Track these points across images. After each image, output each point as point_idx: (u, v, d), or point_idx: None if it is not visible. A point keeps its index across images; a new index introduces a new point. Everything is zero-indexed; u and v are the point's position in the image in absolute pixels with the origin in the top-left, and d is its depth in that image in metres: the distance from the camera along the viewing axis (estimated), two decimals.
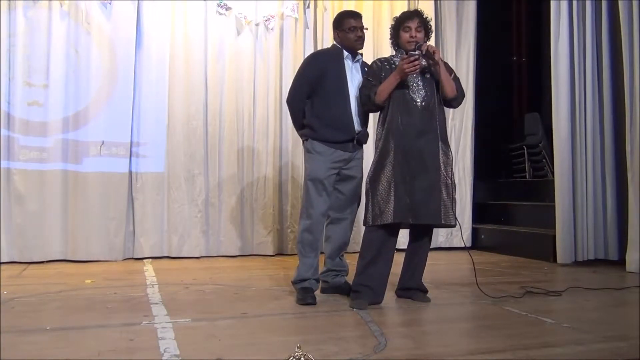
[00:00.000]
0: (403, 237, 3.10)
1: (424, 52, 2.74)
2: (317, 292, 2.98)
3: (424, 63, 2.78)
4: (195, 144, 4.79)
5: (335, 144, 2.98)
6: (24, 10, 4.35)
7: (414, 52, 2.73)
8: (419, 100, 2.78)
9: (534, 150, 6.03)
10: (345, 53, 3.09)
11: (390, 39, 2.96)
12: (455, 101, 2.91)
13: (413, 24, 2.82)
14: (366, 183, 2.84)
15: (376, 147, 2.85)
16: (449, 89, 2.83)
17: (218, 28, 4.90)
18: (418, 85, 2.80)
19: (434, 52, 2.74)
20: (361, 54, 3.17)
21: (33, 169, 4.33)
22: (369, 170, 2.84)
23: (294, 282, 2.99)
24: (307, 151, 3.05)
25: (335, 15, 3.29)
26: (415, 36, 2.81)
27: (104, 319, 2.47)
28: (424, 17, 2.87)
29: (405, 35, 2.83)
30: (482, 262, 4.45)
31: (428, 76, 2.83)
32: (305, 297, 2.86)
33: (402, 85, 2.78)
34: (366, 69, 3.14)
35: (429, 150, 2.76)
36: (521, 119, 6.38)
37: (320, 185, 2.96)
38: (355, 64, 3.11)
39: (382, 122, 2.84)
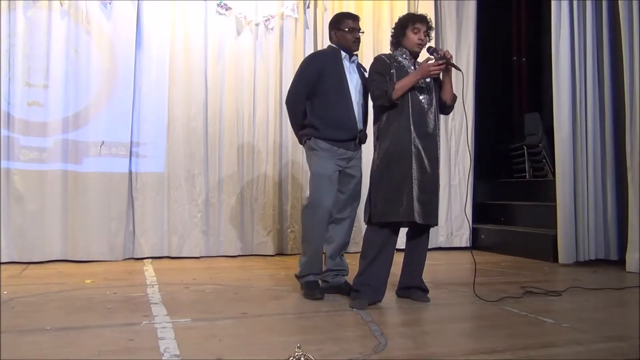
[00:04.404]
0: (402, 237, 3.09)
1: (441, 56, 2.76)
2: None
3: None
4: (195, 144, 4.78)
5: (339, 143, 2.99)
6: (24, 10, 4.35)
7: (438, 56, 2.76)
8: (424, 102, 2.80)
9: (534, 150, 6.03)
10: (343, 53, 3.09)
11: (392, 36, 2.94)
12: (450, 108, 2.97)
13: (422, 27, 2.83)
14: (372, 181, 2.82)
15: (380, 146, 2.83)
16: (450, 96, 2.88)
17: (218, 28, 4.89)
18: (422, 88, 2.81)
19: (450, 58, 2.77)
20: (356, 55, 3.17)
21: (33, 169, 4.32)
22: (372, 168, 2.84)
23: (299, 277, 3.01)
24: (311, 149, 3.04)
25: (332, 16, 3.30)
26: (424, 39, 2.82)
27: (104, 319, 2.47)
28: (430, 24, 2.89)
29: (414, 37, 2.83)
30: (482, 262, 4.44)
31: (429, 80, 2.84)
32: (313, 292, 2.91)
33: (412, 86, 2.78)
34: (362, 69, 3.15)
35: (433, 153, 2.79)
36: (521, 119, 6.37)
37: (327, 180, 2.96)
38: (351, 64, 3.12)
39: (387, 121, 2.81)
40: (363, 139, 3.13)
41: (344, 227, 3.10)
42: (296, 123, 3.16)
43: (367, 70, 2.98)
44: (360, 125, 3.07)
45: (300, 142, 3.23)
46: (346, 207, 3.09)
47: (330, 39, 3.18)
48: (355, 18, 3.14)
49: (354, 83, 3.06)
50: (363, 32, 3.18)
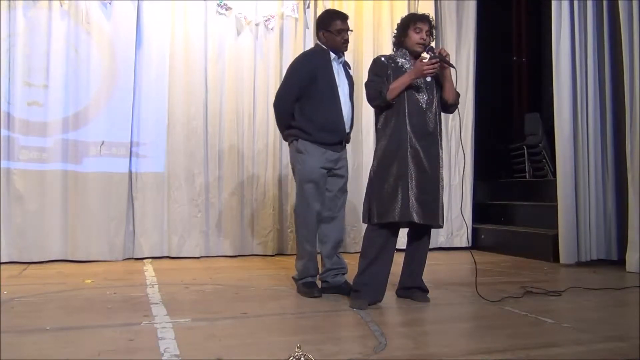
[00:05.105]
0: (402, 237, 3.10)
1: (436, 55, 2.75)
2: None
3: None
4: (195, 144, 4.78)
5: (327, 146, 3.00)
6: (24, 10, 4.35)
7: (432, 55, 2.75)
8: (423, 102, 2.79)
9: (534, 150, 6.03)
10: (332, 55, 3.07)
11: (395, 36, 2.93)
12: (453, 107, 2.95)
13: (425, 27, 2.83)
14: (370, 181, 2.82)
15: (377, 147, 2.83)
16: (451, 95, 2.87)
17: (218, 28, 4.89)
18: (421, 87, 2.81)
19: (446, 56, 2.76)
20: (343, 54, 3.16)
21: (33, 169, 4.33)
22: (371, 169, 2.83)
23: (297, 279, 3.02)
24: (298, 151, 3.04)
25: (320, 14, 3.24)
26: (426, 39, 2.82)
27: (104, 319, 2.47)
28: (432, 24, 2.88)
29: (415, 36, 2.82)
30: (482, 262, 4.43)
31: (429, 79, 2.84)
32: (312, 290, 2.93)
33: (409, 86, 2.77)
34: (347, 67, 3.14)
35: (432, 152, 2.78)
36: (521, 119, 6.37)
37: (314, 185, 2.97)
38: (339, 65, 3.11)
39: (384, 121, 2.81)
40: (348, 140, 3.17)
41: (336, 225, 3.10)
42: (284, 124, 3.14)
43: (353, 68, 2.98)
44: (347, 128, 3.07)
45: (285, 140, 3.22)
46: (335, 203, 3.09)
47: (319, 38, 3.14)
48: (343, 18, 3.09)
49: (341, 85, 3.06)
50: (351, 31, 3.15)
